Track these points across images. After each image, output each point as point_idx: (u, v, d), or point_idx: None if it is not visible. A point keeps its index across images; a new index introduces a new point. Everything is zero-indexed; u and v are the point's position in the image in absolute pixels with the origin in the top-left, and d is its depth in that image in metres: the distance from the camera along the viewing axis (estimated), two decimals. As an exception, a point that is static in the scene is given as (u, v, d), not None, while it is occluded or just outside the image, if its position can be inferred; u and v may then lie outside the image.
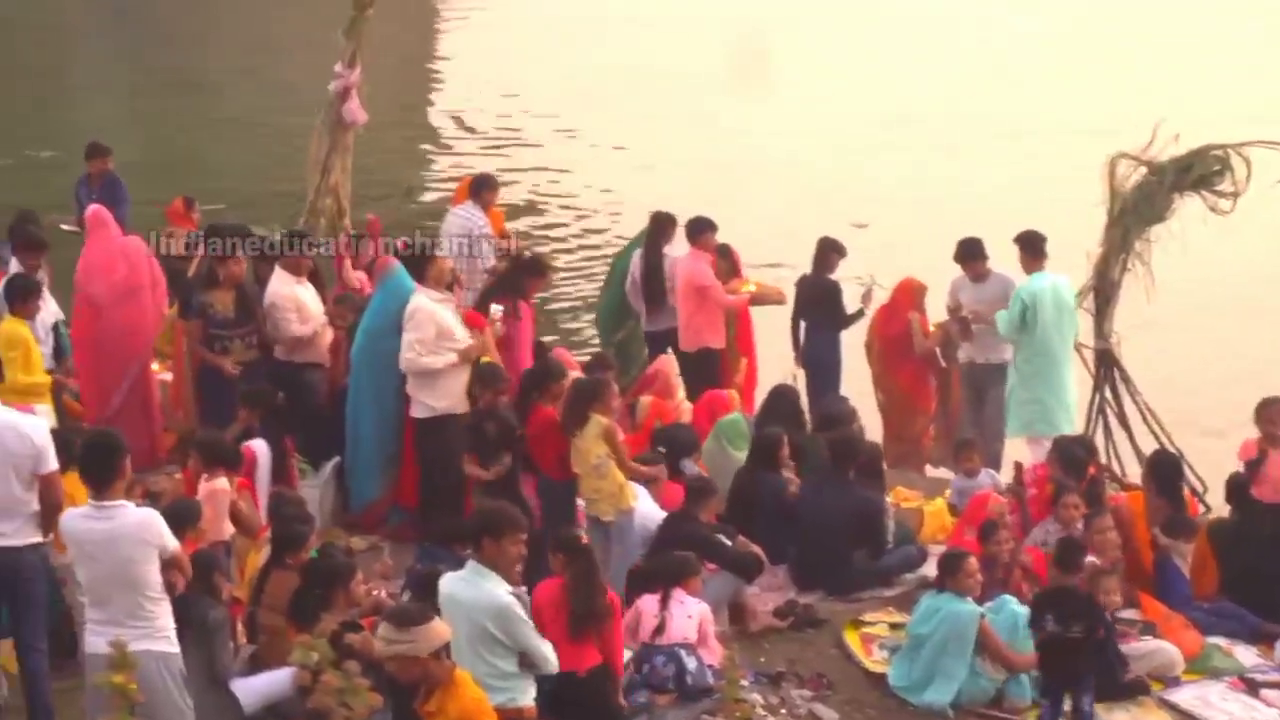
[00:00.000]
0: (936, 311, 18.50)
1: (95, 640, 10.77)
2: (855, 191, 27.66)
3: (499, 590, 11.16)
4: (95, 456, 11.00)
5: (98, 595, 10.96)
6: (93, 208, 17.68)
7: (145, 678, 10.20)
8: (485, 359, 16.00)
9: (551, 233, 27.86)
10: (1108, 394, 18.05)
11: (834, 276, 18.92)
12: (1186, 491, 16.21)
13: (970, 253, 18.11)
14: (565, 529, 13.31)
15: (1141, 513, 15.50)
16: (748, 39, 43.28)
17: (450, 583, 11.17)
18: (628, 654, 13.21)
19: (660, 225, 19.05)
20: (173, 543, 11.00)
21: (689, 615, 13.34)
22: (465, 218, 19.56)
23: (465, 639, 10.84)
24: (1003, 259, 18.12)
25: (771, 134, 34.02)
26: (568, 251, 25.83)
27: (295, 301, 16.58)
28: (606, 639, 12.50)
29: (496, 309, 17.89)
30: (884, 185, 28.60)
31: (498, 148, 32.28)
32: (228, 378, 16.28)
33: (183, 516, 12.50)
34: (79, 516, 10.93)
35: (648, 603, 13.45)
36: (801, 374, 18.73)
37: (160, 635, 10.86)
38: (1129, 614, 14.62)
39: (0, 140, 26.73)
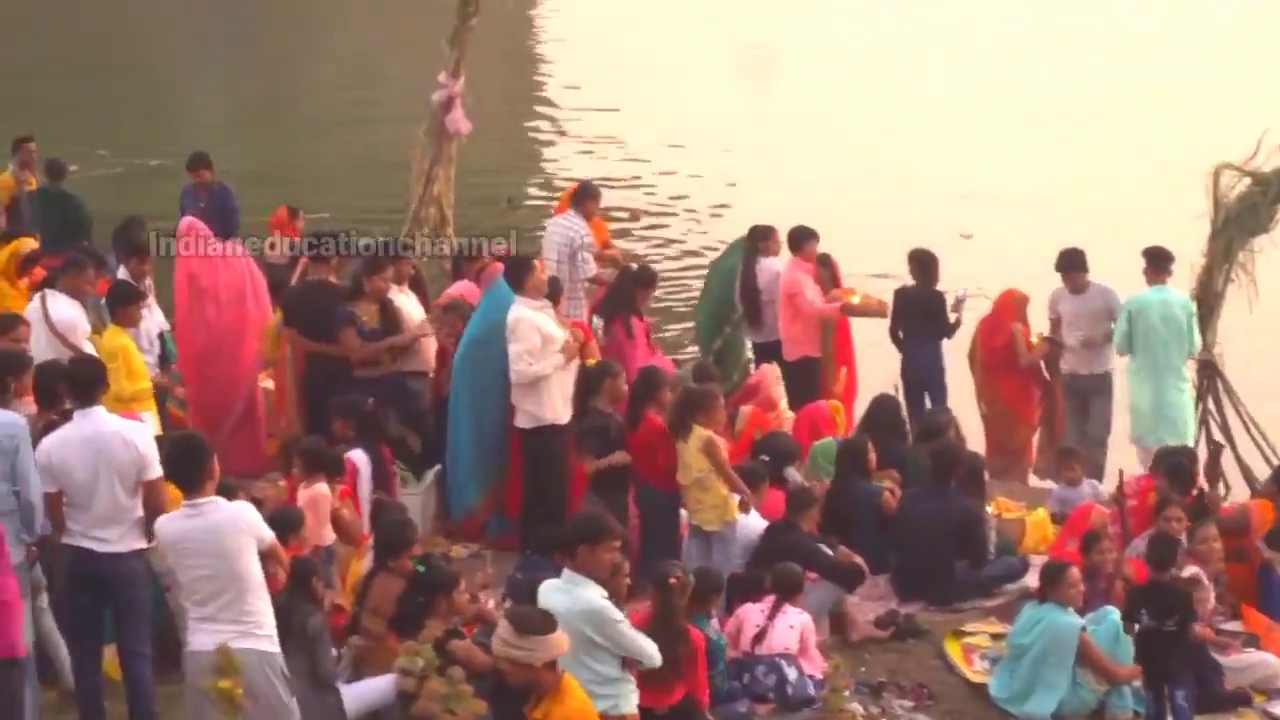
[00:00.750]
0: (1039, 322, 18.43)
1: (197, 638, 10.87)
2: (963, 199, 27.43)
3: (592, 595, 11.17)
4: (182, 458, 11.16)
5: (199, 594, 11.00)
6: (185, 219, 17.83)
7: (248, 676, 10.38)
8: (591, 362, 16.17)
9: (652, 236, 27.77)
10: (1210, 405, 17.96)
11: (941, 289, 18.84)
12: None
13: (1070, 264, 18.11)
14: (662, 563, 13.06)
15: (1268, 522, 15.33)
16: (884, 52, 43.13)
17: (548, 592, 11.17)
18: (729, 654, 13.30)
19: (755, 238, 19.07)
20: (268, 533, 11.15)
21: (790, 625, 13.41)
22: (567, 227, 19.62)
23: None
24: (1109, 271, 18.07)
25: (880, 140, 33.81)
26: (671, 259, 25.77)
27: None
28: (688, 678, 12.45)
29: (598, 321, 18.04)
30: (993, 194, 28.34)
31: (597, 154, 32.26)
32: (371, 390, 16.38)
33: (285, 523, 12.64)
34: (174, 519, 11.05)
35: (750, 612, 13.54)
36: (902, 385, 18.66)
37: (262, 633, 10.91)
38: (1232, 626, 14.56)
39: (112, 147, 26.92)
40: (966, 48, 46.95)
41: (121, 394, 14.63)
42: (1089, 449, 17.69)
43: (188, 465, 11.11)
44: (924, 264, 18.76)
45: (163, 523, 11.21)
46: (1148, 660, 13.13)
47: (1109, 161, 30.34)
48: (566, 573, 11.30)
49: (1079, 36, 48.63)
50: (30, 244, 17.16)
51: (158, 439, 12.73)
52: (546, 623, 9.59)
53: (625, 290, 17.81)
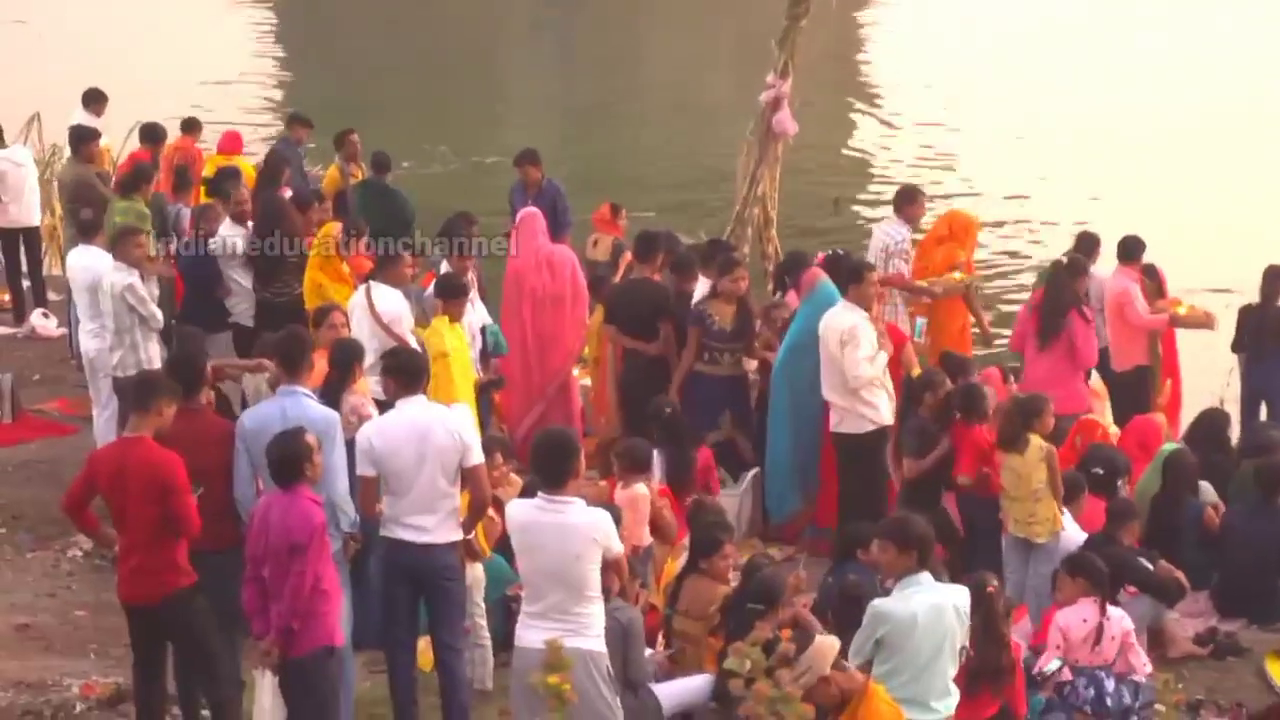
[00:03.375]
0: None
1: (526, 634, 10.93)
2: None
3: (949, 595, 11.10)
4: (550, 453, 11.11)
5: (535, 589, 11.06)
6: (524, 211, 18.07)
7: (575, 675, 10.76)
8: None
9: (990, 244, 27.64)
10: None
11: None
12: None
13: None
14: (979, 574, 12.79)
15: None
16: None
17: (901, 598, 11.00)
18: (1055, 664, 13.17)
19: (1083, 246, 18.88)
20: (618, 545, 11.15)
21: (1111, 636, 13.24)
22: (885, 232, 19.55)
23: (933, 653, 10.81)
24: None
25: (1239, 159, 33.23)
26: (1007, 270, 25.60)
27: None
28: (1006, 694, 12.35)
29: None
30: None
31: (924, 161, 32.19)
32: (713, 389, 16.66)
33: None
34: (530, 507, 11.07)
35: (1073, 621, 13.41)
36: (1241, 399, 18.42)
37: (592, 634, 10.91)
38: None
39: (452, 144, 27.28)
40: None
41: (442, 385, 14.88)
42: None
43: (555, 460, 11.11)
44: (1269, 279, 18.39)
45: (516, 506, 11.31)
46: None
47: None
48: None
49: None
50: (337, 226, 17.45)
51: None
52: (804, 638, 9.63)
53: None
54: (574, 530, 10.84)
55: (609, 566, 11.07)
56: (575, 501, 10.99)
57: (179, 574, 11.45)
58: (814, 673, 9.17)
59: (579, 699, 10.39)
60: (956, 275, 20.74)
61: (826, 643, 9.50)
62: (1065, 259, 18.46)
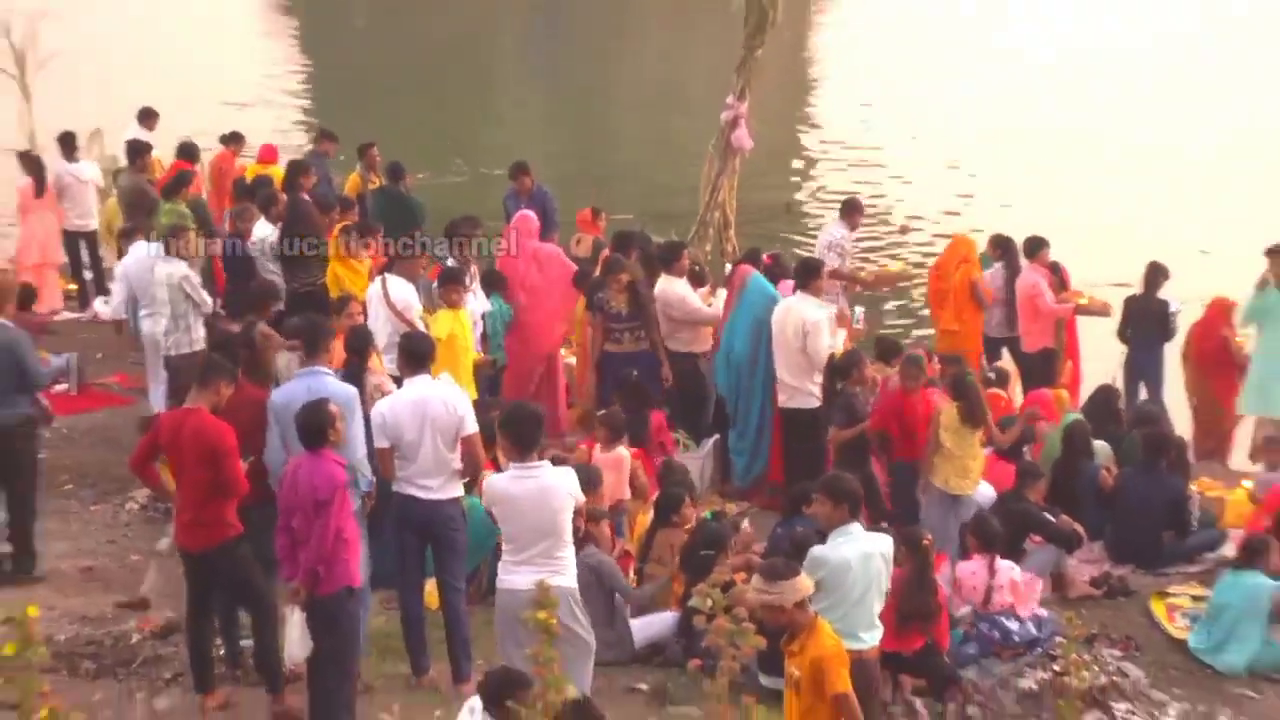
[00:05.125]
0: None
1: (511, 578, 11.07)
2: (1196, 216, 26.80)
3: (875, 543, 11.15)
4: (520, 424, 11.25)
5: (519, 542, 11.16)
6: (520, 213, 18.05)
7: (577, 631, 11.01)
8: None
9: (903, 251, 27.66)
10: None
11: (1163, 296, 18.56)
12: None
13: None
14: (913, 527, 13.34)
15: None
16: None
17: (841, 544, 10.99)
18: (965, 609, 13.38)
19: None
20: (581, 496, 11.33)
21: (1000, 586, 13.46)
22: (830, 232, 19.78)
23: (862, 592, 10.88)
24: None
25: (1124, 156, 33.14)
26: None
27: (677, 296, 16.93)
28: (932, 629, 12.63)
29: (859, 310, 18.12)
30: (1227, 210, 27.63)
31: (865, 174, 32.17)
32: (621, 364, 16.59)
33: (588, 480, 12.84)
34: (505, 479, 11.19)
35: (966, 573, 13.61)
36: (1120, 377, 18.51)
37: (569, 573, 11.11)
38: None
39: (465, 157, 27.12)
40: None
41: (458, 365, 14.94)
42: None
43: (522, 432, 11.25)
44: (1150, 274, 18.55)
45: (493, 481, 11.39)
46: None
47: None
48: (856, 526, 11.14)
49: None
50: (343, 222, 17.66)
51: (474, 404, 12.99)
52: (790, 569, 9.69)
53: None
54: (552, 490, 11.02)
55: (577, 512, 11.26)
56: (543, 465, 11.19)
57: (228, 527, 11.57)
58: (783, 597, 9.27)
59: (562, 628, 10.67)
60: (893, 266, 20.89)
61: (804, 580, 9.60)
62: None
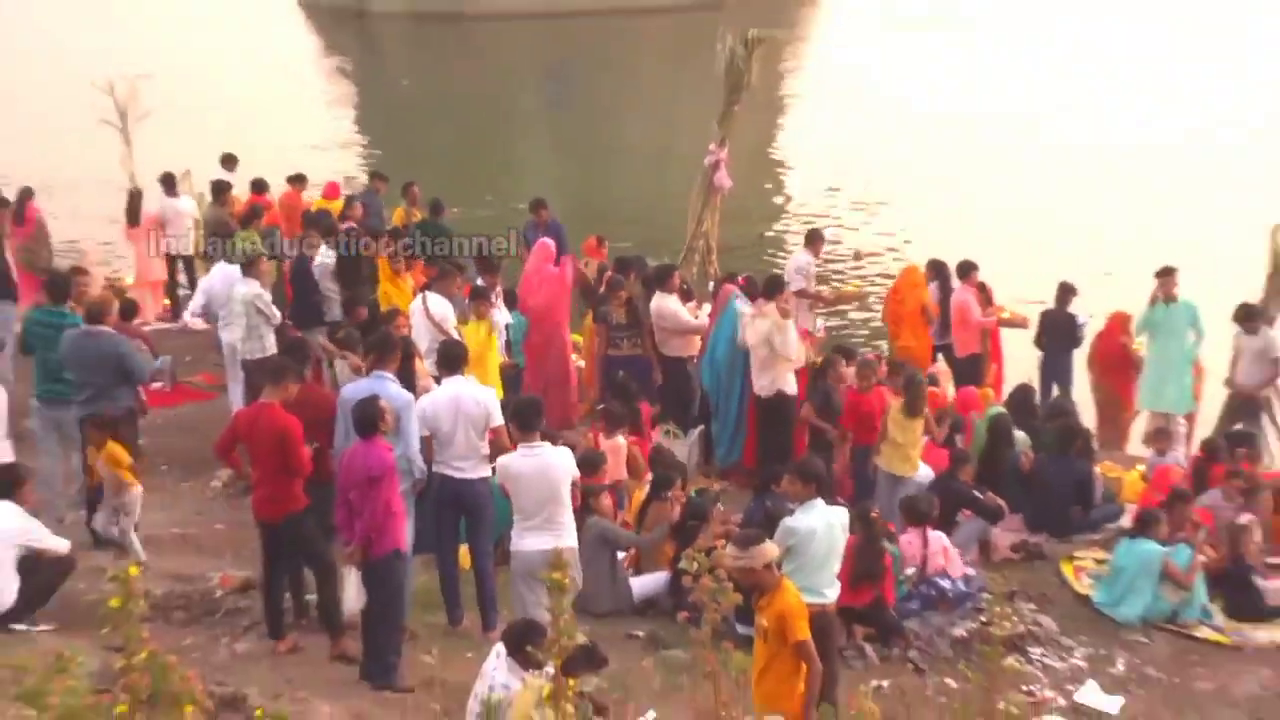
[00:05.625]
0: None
1: (524, 541, 11.39)
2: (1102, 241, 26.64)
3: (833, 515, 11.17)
4: (521, 411, 11.83)
5: (528, 511, 11.44)
6: (539, 241, 18.09)
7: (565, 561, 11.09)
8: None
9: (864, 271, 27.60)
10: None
11: (1071, 310, 18.56)
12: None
13: (1248, 315, 17.46)
14: (864, 502, 13.42)
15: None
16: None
17: (805, 516, 11.04)
18: (911, 570, 13.47)
19: (957, 271, 18.98)
20: (576, 471, 11.74)
21: (933, 552, 13.59)
22: (797, 258, 19.92)
23: (824, 556, 10.92)
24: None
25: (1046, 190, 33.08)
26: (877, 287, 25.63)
27: (669, 311, 16.92)
28: (880, 586, 12.73)
29: (820, 322, 18.10)
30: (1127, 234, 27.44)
31: (828, 210, 32.12)
32: (621, 366, 16.66)
33: (593, 463, 13.11)
34: (514, 457, 11.52)
35: (906, 545, 13.66)
36: (1036, 377, 18.47)
37: (567, 535, 11.43)
38: (1275, 560, 14.48)
39: (495, 194, 27.04)
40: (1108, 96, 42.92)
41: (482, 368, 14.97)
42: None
43: (523, 417, 11.71)
44: (1061, 291, 18.56)
45: (504, 460, 11.66)
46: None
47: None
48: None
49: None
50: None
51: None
52: (758, 538, 9.72)
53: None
54: (552, 466, 11.45)
55: (574, 486, 11.67)
56: (544, 445, 11.55)
57: (295, 501, 11.63)
58: (752, 561, 9.28)
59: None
60: (849, 287, 20.87)
61: (770, 547, 9.62)
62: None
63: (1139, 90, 40.16)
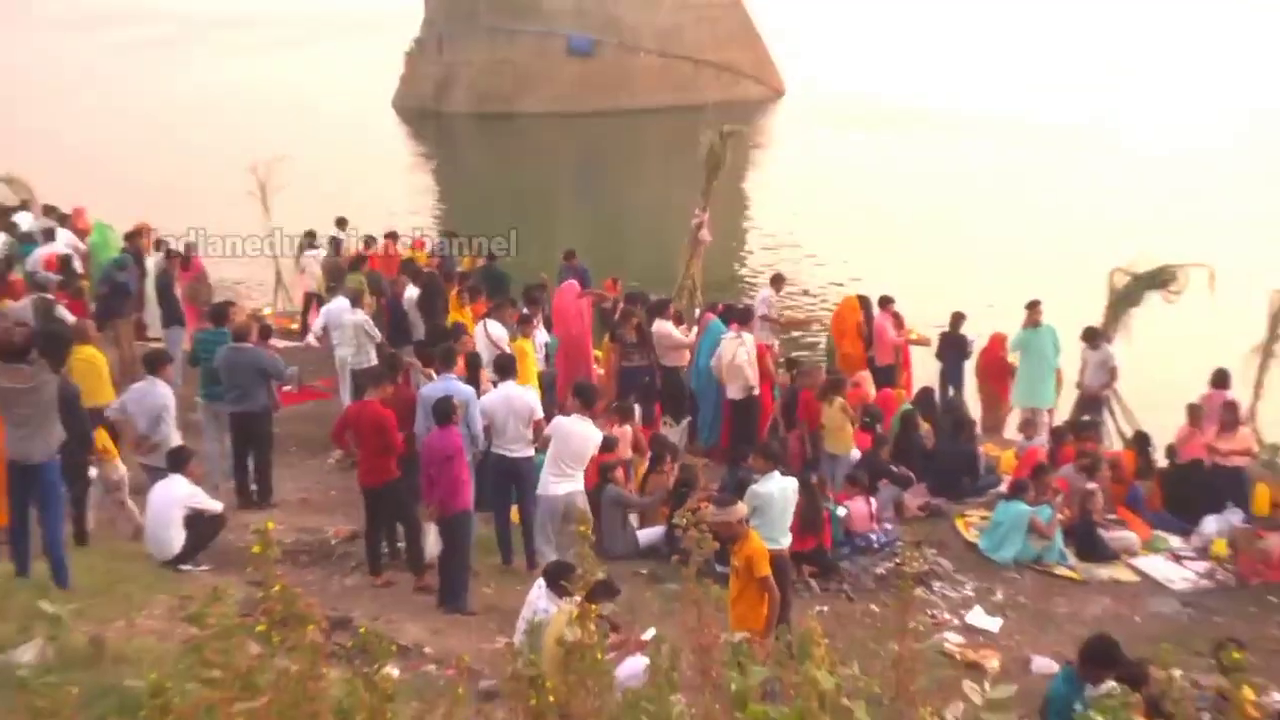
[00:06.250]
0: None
1: (550, 487, 11.84)
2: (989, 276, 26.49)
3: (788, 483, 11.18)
4: (587, 392, 12.44)
5: (559, 463, 11.79)
6: (566, 282, 17.95)
7: (574, 500, 11.62)
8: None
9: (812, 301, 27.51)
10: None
11: (962, 332, 18.50)
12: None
13: (1091, 335, 17.43)
14: (807, 473, 13.29)
15: (1132, 463, 15.42)
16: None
17: (766, 484, 11.04)
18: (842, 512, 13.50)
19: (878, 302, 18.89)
20: (599, 441, 12.26)
21: (863, 512, 13.63)
22: (763, 295, 19.91)
23: (780, 513, 10.93)
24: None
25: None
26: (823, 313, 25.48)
27: (665, 332, 16.88)
28: (820, 536, 12.76)
29: (776, 341, 18.00)
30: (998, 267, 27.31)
31: (782, 257, 31.96)
32: (631, 374, 16.59)
33: (610, 445, 12.98)
34: (568, 421, 11.98)
35: (851, 503, 13.68)
36: (936, 382, 18.36)
37: (579, 481, 11.88)
38: (1113, 517, 14.50)
39: (539, 243, 26.82)
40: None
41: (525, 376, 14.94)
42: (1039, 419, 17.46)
43: (588, 397, 12.34)
44: (954, 318, 18.56)
45: (562, 421, 12.09)
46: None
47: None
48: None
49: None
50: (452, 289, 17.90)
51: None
52: (732, 500, 9.75)
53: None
54: (586, 435, 11.94)
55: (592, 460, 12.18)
56: (589, 419, 12.04)
57: (390, 472, 11.69)
58: (728, 517, 9.28)
59: (573, 512, 11.02)
60: (799, 315, 20.79)
61: (741, 507, 9.62)
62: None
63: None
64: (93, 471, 11.72)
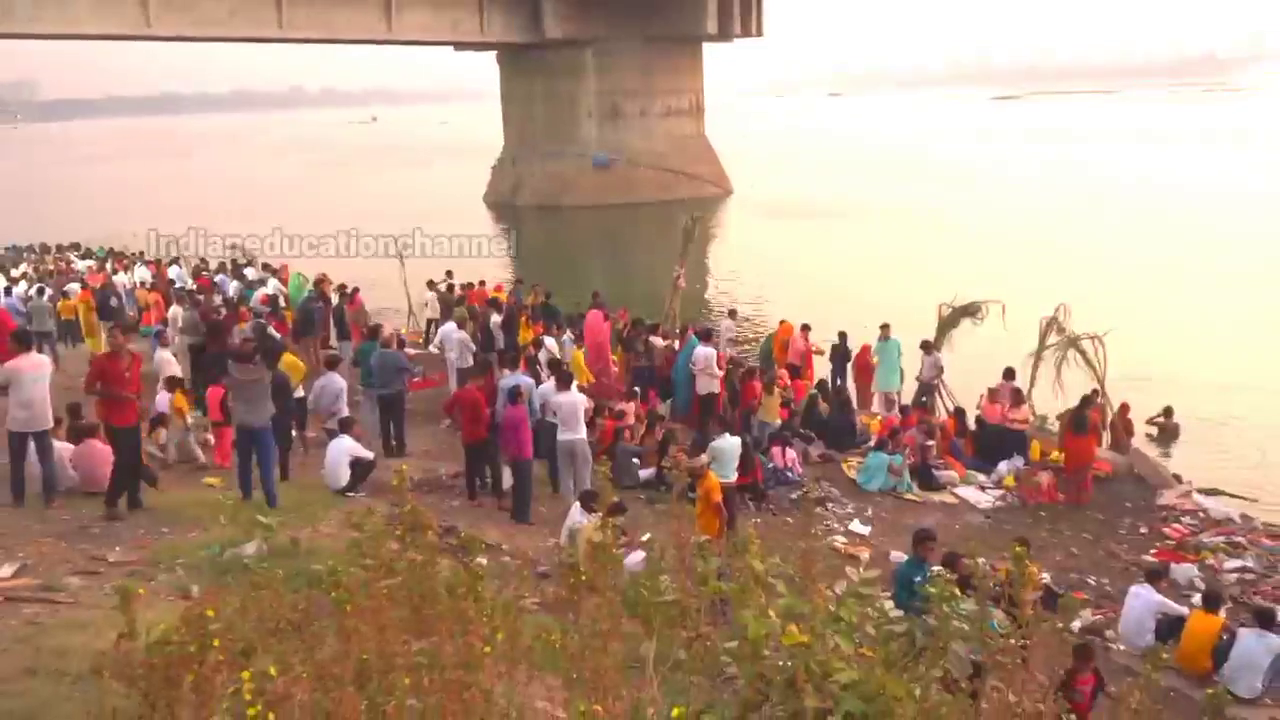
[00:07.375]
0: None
1: (562, 434, 11.58)
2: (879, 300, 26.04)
3: (734, 440, 11.13)
4: (564, 378, 11.88)
5: (566, 420, 11.53)
6: (592, 311, 17.60)
7: (582, 449, 11.23)
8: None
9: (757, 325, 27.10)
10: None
11: (847, 345, 18.18)
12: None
13: (925, 344, 17.05)
14: (744, 434, 12.88)
15: (951, 427, 15.17)
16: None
17: (720, 441, 11.02)
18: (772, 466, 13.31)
19: (798, 327, 18.39)
20: (589, 404, 12.04)
21: (787, 458, 13.47)
22: (727, 323, 19.69)
23: (729, 459, 10.82)
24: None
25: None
26: (757, 332, 25.21)
27: (660, 345, 16.64)
28: (754, 474, 12.48)
29: (730, 351, 17.82)
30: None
31: (744, 292, 31.50)
32: (638, 372, 16.39)
33: (622, 414, 12.87)
34: (560, 395, 11.53)
35: (774, 455, 13.56)
36: (829, 377, 18.05)
37: (581, 433, 11.51)
38: (941, 461, 14.37)
39: (574, 286, 26.53)
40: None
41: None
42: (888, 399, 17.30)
43: (566, 381, 11.84)
44: (843, 336, 18.26)
45: (554, 397, 11.68)
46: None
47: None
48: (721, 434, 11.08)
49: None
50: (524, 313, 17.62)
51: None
52: (699, 452, 9.76)
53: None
54: (579, 399, 11.64)
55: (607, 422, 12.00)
56: (574, 390, 11.73)
57: (482, 434, 11.61)
58: (696, 463, 9.27)
59: (582, 454, 10.96)
60: (745, 335, 20.32)
61: (704, 457, 9.63)
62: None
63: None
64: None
